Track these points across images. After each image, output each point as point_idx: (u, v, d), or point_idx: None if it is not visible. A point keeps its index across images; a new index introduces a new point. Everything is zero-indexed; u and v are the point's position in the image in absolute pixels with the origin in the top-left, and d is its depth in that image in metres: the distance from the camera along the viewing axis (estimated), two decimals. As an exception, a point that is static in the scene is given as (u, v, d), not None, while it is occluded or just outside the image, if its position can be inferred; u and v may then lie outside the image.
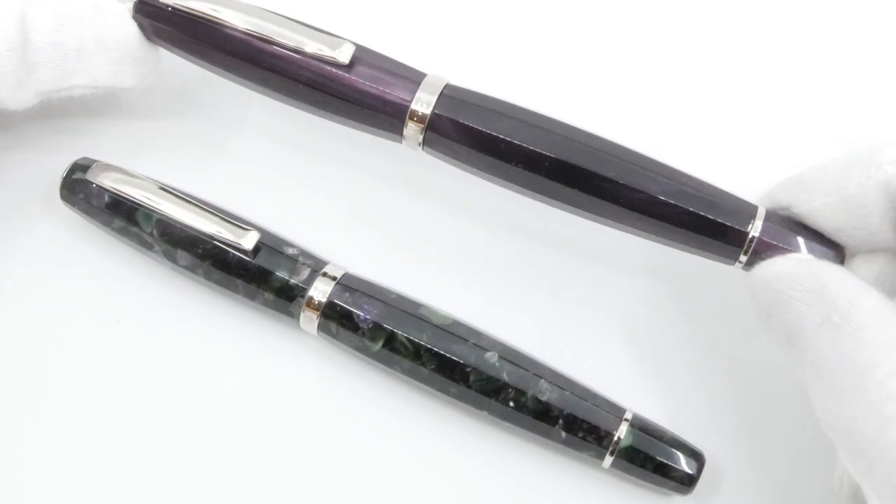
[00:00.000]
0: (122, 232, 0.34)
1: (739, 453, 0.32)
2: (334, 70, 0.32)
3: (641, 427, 0.31)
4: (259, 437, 0.32)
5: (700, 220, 0.30)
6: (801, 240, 0.29)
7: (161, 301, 0.34)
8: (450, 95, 0.32)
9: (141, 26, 0.33)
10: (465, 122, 0.31)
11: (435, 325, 0.32)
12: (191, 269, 0.33)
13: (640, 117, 0.39)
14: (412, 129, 0.32)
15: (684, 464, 0.30)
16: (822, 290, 0.25)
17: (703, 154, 0.37)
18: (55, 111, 0.35)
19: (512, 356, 0.31)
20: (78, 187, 0.34)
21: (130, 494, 0.31)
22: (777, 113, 0.39)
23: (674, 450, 0.30)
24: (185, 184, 0.34)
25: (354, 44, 0.32)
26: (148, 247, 0.33)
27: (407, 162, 0.36)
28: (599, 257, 0.35)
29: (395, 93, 0.32)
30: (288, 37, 0.32)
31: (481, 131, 0.31)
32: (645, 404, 0.32)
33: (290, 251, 0.33)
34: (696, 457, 0.31)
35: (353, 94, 0.32)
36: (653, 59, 0.40)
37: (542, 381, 0.31)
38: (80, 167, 0.34)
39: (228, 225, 0.33)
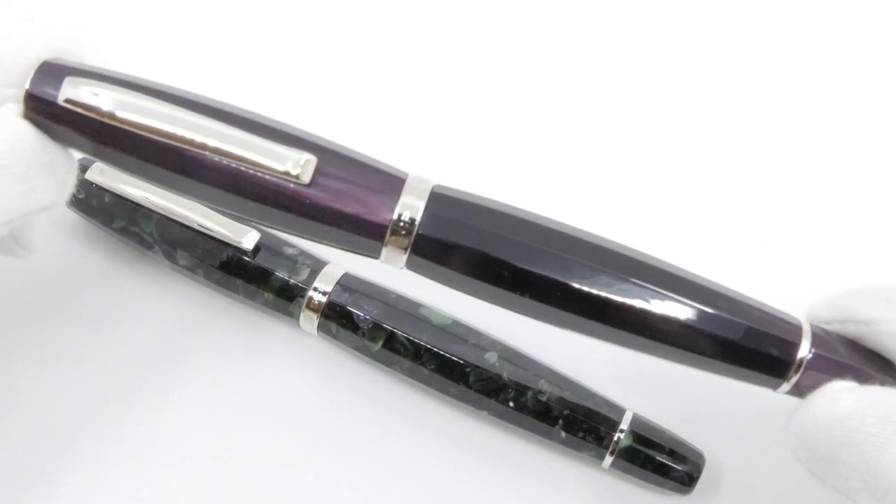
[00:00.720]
0: (122, 232, 0.34)
1: (739, 453, 0.32)
2: (292, 186, 0.25)
3: (641, 427, 0.31)
4: (259, 437, 0.32)
5: (738, 353, 0.26)
6: (853, 365, 0.26)
7: (161, 301, 0.34)
8: (437, 207, 0.25)
9: (37, 125, 0.26)
10: (458, 244, 0.25)
11: (435, 325, 0.32)
12: (191, 269, 0.33)
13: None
14: (393, 252, 0.26)
15: (684, 464, 0.30)
16: None
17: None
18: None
19: (512, 356, 0.31)
20: (78, 188, 0.34)
21: (130, 492, 0.31)
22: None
23: (674, 450, 0.30)
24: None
25: (318, 147, 0.26)
26: (148, 247, 0.33)
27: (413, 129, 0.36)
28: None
29: (370, 211, 0.25)
30: (229, 143, 0.25)
31: (479, 254, 0.25)
32: (645, 404, 0.32)
33: (290, 251, 0.33)
34: (696, 457, 0.31)
35: (317, 214, 0.25)
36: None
37: (542, 381, 0.31)
38: (81, 167, 0.34)
39: (228, 225, 0.33)
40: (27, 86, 0.26)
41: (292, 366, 0.33)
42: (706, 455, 0.31)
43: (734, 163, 0.39)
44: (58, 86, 0.25)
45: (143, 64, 0.30)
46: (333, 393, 0.33)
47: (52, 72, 0.26)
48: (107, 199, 0.33)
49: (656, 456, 0.30)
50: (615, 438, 0.30)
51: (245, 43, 0.42)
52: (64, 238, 0.35)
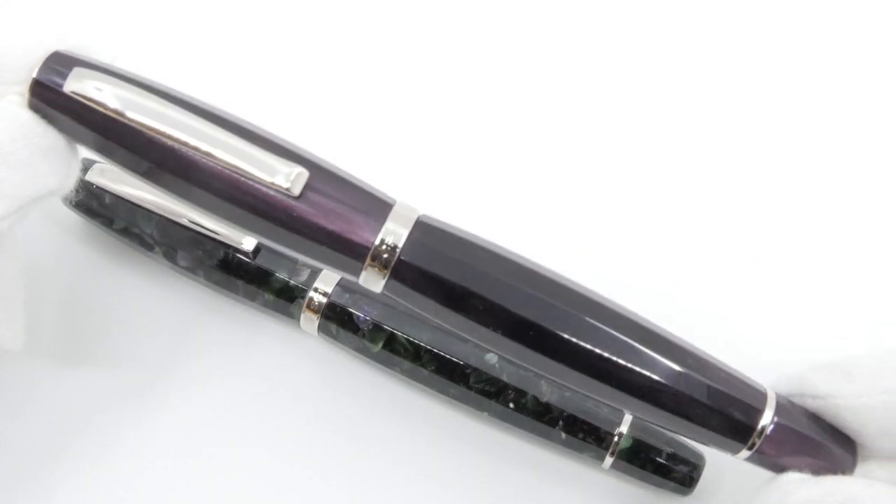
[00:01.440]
0: (122, 233, 0.34)
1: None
2: (281, 198, 0.26)
3: (641, 428, 0.31)
4: (259, 437, 0.32)
5: (700, 413, 0.26)
6: (814, 438, 0.26)
7: (161, 301, 0.34)
8: (420, 236, 0.26)
9: (41, 113, 0.26)
10: (437, 274, 0.26)
11: (435, 326, 0.32)
12: (191, 269, 0.33)
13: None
14: (372, 275, 0.26)
15: (684, 464, 0.30)
16: (853, 502, 0.23)
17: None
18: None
19: (512, 357, 0.31)
20: (78, 188, 0.34)
21: (129, 491, 0.31)
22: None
23: (674, 451, 0.30)
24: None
25: (310, 163, 0.26)
26: (148, 248, 0.33)
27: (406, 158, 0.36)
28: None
29: (354, 231, 0.26)
30: (224, 150, 0.25)
31: (455, 288, 0.26)
32: (645, 405, 0.32)
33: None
34: (697, 457, 0.31)
35: (303, 228, 0.26)
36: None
37: (543, 382, 0.31)
38: (81, 168, 0.34)
39: (229, 225, 0.33)
40: (35, 73, 0.26)
41: (292, 366, 0.33)
42: (706, 456, 0.31)
43: (722, 209, 0.39)
44: (65, 76, 0.26)
45: (147, 64, 0.30)
46: (333, 394, 0.33)
47: (60, 62, 0.26)
48: (107, 200, 0.33)
49: (656, 457, 0.30)
50: (615, 439, 0.30)
51: (248, 56, 0.42)
52: (64, 238, 0.35)
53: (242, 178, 0.25)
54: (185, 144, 0.25)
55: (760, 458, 0.26)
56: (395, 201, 0.27)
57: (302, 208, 0.26)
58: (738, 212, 0.38)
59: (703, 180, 0.39)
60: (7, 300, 0.28)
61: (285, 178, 0.25)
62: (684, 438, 0.31)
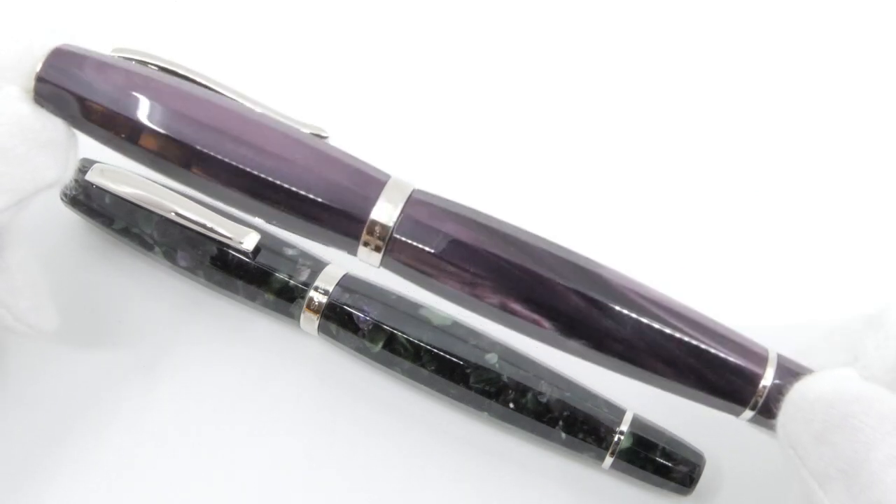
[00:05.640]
0: (122, 233, 0.34)
1: (739, 453, 0.32)
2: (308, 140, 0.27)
3: (641, 428, 0.31)
4: (259, 437, 0.32)
5: (699, 376, 0.26)
6: None
7: (161, 302, 0.34)
8: (413, 211, 0.26)
9: (40, 101, 0.27)
10: (431, 248, 0.26)
11: (435, 326, 0.32)
12: (191, 269, 0.33)
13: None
14: (368, 251, 0.26)
15: (684, 464, 0.30)
16: None
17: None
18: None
19: (512, 357, 0.31)
20: (78, 188, 0.34)
21: (127, 492, 0.31)
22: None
23: (674, 450, 0.30)
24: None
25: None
26: (148, 248, 0.33)
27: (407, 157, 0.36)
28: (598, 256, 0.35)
29: (350, 208, 0.26)
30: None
31: (450, 261, 0.26)
32: (645, 405, 0.32)
33: (290, 252, 0.33)
34: (697, 457, 0.31)
35: (299, 206, 0.26)
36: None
37: (543, 382, 0.31)
38: (81, 168, 0.34)
39: (229, 225, 0.32)
40: (38, 69, 0.27)
41: (292, 367, 0.33)
42: (706, 455, 0.31)
43: (715, 176, 0.40)
44: (67, 71, 0.27)
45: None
46: (333, 394, 0.33)
47: (63, 56, 0.27)
48: (107, 200, 0.33)
49: (656, 457, 0.30)
50: (615, 439, 0.30)
51: (248, 39, 0.42)
52: (64, 239, 0.35)
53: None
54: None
55: (764, 421, 0.26)
56: (389, 177, 0.27)
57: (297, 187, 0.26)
58: (732, 200, 0.39)
59: (695, 173, 0.40)
60: (32, 286, 0.28)
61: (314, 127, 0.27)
62: (684, 438, 0.31)
